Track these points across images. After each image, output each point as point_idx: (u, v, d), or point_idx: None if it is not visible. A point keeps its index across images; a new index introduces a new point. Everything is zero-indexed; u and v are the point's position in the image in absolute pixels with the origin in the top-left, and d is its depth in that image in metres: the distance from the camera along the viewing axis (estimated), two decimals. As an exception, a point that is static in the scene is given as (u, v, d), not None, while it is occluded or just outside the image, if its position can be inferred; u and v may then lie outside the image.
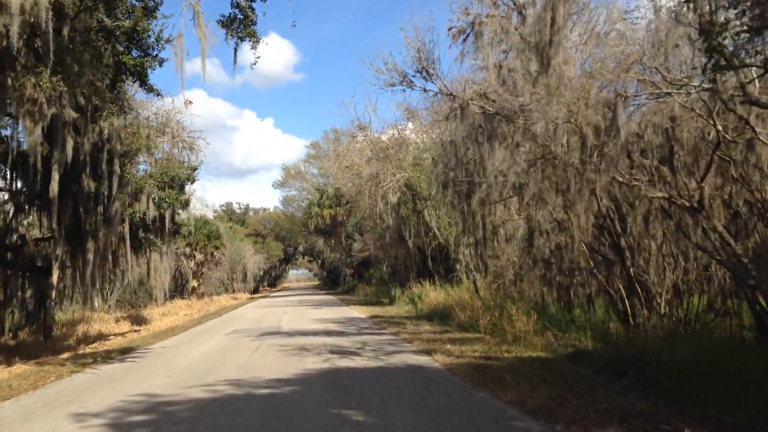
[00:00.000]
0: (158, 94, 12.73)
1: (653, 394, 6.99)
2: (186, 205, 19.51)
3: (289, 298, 48.36)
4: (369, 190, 29.35)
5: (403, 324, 18.05)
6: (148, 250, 18.30)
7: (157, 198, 17.07)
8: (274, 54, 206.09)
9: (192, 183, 19.35)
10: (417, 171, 27.62)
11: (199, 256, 41.51)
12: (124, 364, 12.32)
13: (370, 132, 28.86)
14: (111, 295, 37.25)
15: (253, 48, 11.62)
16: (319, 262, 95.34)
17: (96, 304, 36.67)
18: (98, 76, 11.02)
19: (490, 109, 12.05)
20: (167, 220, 17.87)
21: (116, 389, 9.05)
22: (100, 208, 13.88)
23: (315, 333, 16.34)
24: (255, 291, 75.21)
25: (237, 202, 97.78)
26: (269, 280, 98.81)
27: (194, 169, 20.25)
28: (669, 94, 8.80)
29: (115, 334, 20.80)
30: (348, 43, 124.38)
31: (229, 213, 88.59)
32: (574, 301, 16.43)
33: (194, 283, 41.67)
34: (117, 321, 25.36)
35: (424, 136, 27.61)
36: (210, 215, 74.55)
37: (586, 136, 9.80)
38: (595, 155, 9.69)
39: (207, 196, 53.44)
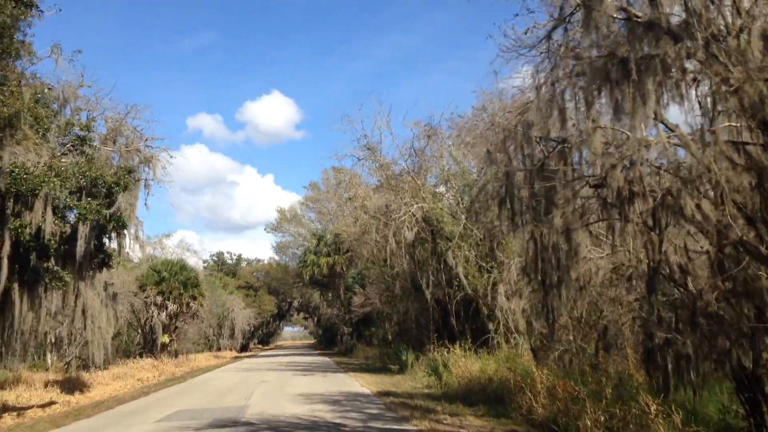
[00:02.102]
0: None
1: None
2: (119, 225, 13.58)
3: (278, 359, 41.64)
4: (376, 226, 23.43)
5: (432, 411, 11.78)
6: (45, 287, 12.22)
7: (62, 205, 11.20)
8: (275, 111, 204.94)
9: (124, 191, 13.42)
10: (438, 202, 21.80)
11: (172, 307, 35.09)
12: None
13: (380, 153, 23.22)
14: (68, 349, 31.01)
15: None
16: (315, 318, 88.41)
17: (49, 360, 30.36)
18: None
19: (640, 15, 6.29)
20: (81, 242, 11.92)
21: None
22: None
23: (295, 428, 10.08)
24: (244, 348, 68.20)
25: (228, 252, 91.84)
26: (261, 337, 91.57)
27: (129, 170, 14.33)
28: None
29: (20, 408, 14.60)
30: (350, 103, 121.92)
31: (219, 263, 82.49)
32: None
33: (164, 338, 35.12)
34: (47, 385, 19.14)
35: (450, 153, 21.94)
36: (200, 266, 68.62)
37: None
38: None
39: (201, 249, 47.53)
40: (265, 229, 53.02)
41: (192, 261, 43.79)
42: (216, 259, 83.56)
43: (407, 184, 22.79)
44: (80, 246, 11.93)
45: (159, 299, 34.75)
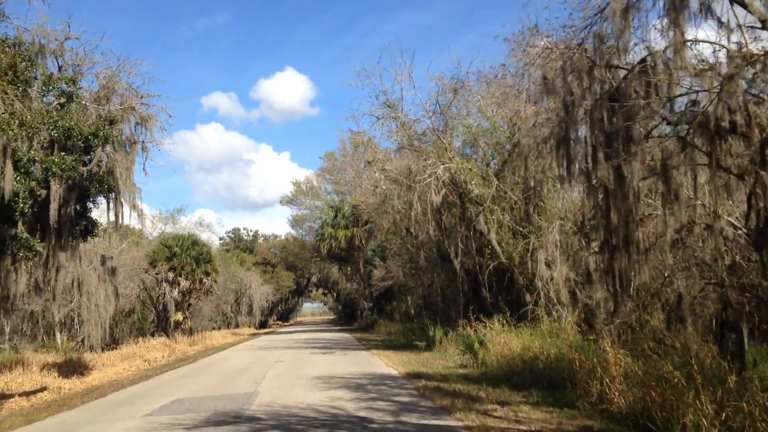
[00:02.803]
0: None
1: None
2: (104, 187, 11.63)
3: (296, 335, 40.05)
4: (398, 192, 21.31)
5: (475, 398, 9.79)
6: (14, 257, 10.32)
7: (26, 159, 9.24)
8: (290, 88, 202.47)
9: (105, 144, 11.42)
10: (467, 162, 19.61)
11: (184, 283, 33.44)
12: None
13: (401, 111, 20.96)
14: (80, 328, 29.62)
15: None
16: (334, 294, 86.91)
17: (59, 340, 28.93)
18: None
19: None
20: (55, 204, 9.98)
21: None
22: None
23: (309, 425, 8.14)
24: (263, 325, 67.03)
25: (245, 228, 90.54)
26: (280, 314, 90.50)
27: (111, 120, 12.26)
28: None
29: (2, 396, 12.92)
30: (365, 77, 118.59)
31: (236, 240, 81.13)
32: None
33: (178, 316, 33.51)
34: (45, 368, 17.57)
35: (480, 108, 19.66)
36: (213, 241, 67.12)
37: None
38: None
39: (219, 227, 45.82)
40: (280, 202, 51.12)
41: (205, 236, 41.94)
42: (232, 235, 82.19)
43: (432, 144, 20.61)
44: (53, 209, 10.00)
45: (171, 275, 33.12)
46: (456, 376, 12.95)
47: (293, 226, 54.43)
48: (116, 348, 26.65)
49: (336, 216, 44.71)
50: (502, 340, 14.70)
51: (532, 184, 18.92)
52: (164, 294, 33.38)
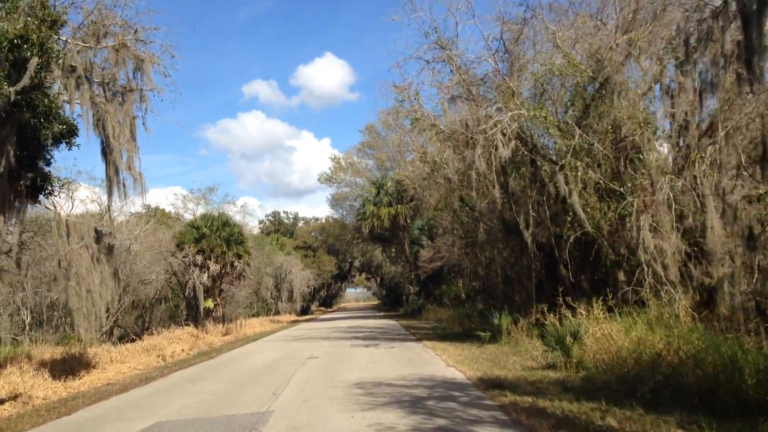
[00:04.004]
0: None
1: None
2: (61, 127, 8.26)
3: (338, 322, 36.79)
4: (452, 153, 17.54)
5: (605, 430, 6.09)
6: None
7: None
8: (329, 74, 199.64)
9: (41, 53, 8.01)
10: (540, 110, 15.65)
11: (214, 267, 30.46)
12: None
13: (456, 50, 17.09)
14: (107, 320, 27.01)
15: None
16: (378, 278, 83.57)
17: (81, 332, 26.37)
18: None
19: None
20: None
21: None
22: None
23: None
24: (305, 311, 64.32)
25: (285, 212, 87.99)
26: (322, 300, 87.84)
27: (53, 20, 8.76)
28: None
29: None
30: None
31: (276, 223, 78.56)
32: None
33: (208, 303, 30.57)
34: (40, 366, 14.73)
35: (555, 42, 15.64)
36: (255, 226, 64.50)
37: None
38: None
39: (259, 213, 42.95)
40: (318, 180, 47.74)
41: (238, 217, 38.80)
42: (272, 219, 79.63)
43: (495, 90, 16.77)
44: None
45: (199, 259, 30.18)
46: (549, 384, 9.26)
47: (333, 206, 51.06)
48: (137, 339, 24.00)
49: (378, 193, 41.15)
50: (602, 332, 10.90)
51: (625, 132, 14.94)
52: (192, 279, 30.58)
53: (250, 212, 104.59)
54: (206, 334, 27.38)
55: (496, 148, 14.84)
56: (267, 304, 52.41)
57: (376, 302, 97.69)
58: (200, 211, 40.12)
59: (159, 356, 18.31)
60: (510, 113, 15.22)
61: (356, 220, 44.52)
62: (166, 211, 41.80)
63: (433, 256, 35.10)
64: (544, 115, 15.37)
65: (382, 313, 51.00)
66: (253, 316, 44.93)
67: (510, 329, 16.45)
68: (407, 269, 44.53)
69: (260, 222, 76.77)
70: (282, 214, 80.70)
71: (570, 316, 12.17)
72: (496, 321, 17.08)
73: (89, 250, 14.40)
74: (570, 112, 16.13)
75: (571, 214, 15.26)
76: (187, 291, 32.25)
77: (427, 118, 19.37)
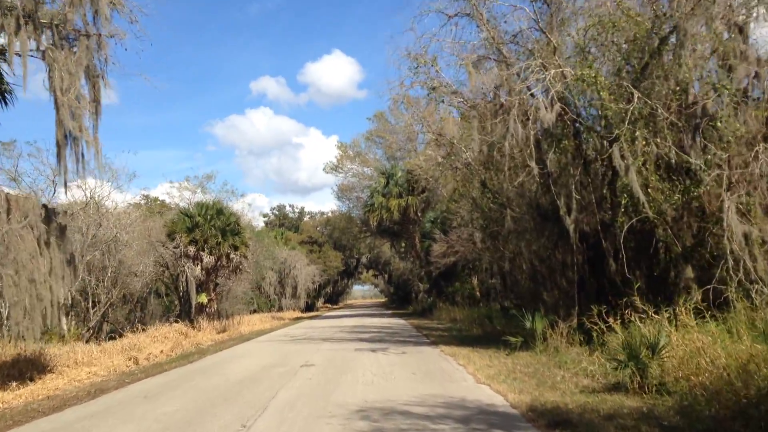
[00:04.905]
0: None
1: None
2: None
3: (343, 321, 34.06)
4: (479, 119, 14.70)
5: None
6: None
7: None
8: (337, 71, 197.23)
9: None
10: (589, 69, 12.78)
11: (208, 259, 27.75)
12: None
13: (484, 4, 14.28)
14: (94, 315, 24.42)
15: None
16: (386, 275, 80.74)
17: (64, 326, 23.76)
18: None
19: None
20: None
21: None
22: None
23: None
24: (309, 308, 61.72)
25: (290, 205, 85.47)
26: (327, 296, 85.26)
27: None
28: None
29: None
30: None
31: (281, 217, 76.01)
32: None
33: (202, 298, 27.90)
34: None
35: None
36: (260, 221, 61.86)
37: None
38: None
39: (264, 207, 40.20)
40: (323, 170, 44.94)
41: (237, 207, 36.02)
42: (277, 212, 77.10)
43: (532, 46, 13.96)
44: None
45: (192, 250, 27.42)
46: (635, 420, 6.46)
47: (339, 197, 48.22)
48: (117, 337, 21.47)
49: (387, 183, 38.34)
50: (693, 344, 8.09)
51: (694, 97, 12.11)
52: (184, 272, 27.95)
53: (256, 209, 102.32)
54: (197, 331, 24.77)
55: (536, 112, 12.02)
56: (270, 300, 49.83)
57: (383, 300, 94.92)
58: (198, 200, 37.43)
59: (131, 359, 15.63)
60: (553, 70, 12.40)
61: (363, 212, 41.74)
62: (160, 200, 39.18)
63: (446, 251, 32.27)
64: (594, 75, 12.52)
65: (390, 312, 48.25)
66: (254, 312, 42.35)
67: (546, 334, 13.65)
68: (417, 265, 41.75)
69: (264, 215, 74.33)
70: (287, 208, 78.18)
71: (639, 321, 9.34)
72: (528, 324, 14.28)
73: (34, 231, 11.74)
74: (624, 74, 13.28)
75: (626, 196, 12.44)
76: (180, 285, 29.71)
77: (446, 87, 16.56)
